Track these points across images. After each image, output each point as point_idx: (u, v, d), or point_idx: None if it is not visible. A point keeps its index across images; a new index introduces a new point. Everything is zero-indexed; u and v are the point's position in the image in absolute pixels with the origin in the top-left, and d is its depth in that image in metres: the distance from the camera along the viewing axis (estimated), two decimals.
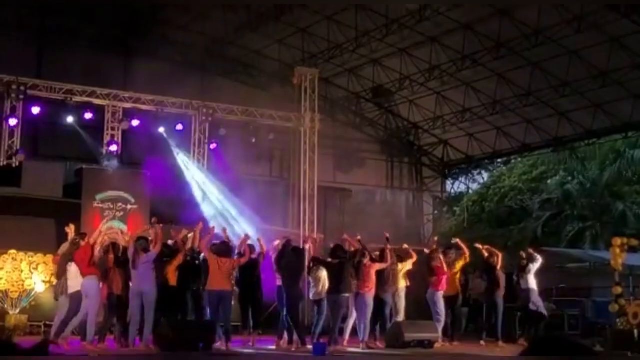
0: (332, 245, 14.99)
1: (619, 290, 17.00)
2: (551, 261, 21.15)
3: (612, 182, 29.13)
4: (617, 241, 17.29)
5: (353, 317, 14.82)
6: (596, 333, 17.90)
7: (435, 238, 17.70)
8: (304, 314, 15.37)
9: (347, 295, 14.15)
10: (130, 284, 13.55)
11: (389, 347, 14.63)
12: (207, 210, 22.16)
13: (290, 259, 14.47)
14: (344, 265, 14.22)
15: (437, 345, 14.99)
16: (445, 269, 15.88)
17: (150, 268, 13.31)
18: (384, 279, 15.08)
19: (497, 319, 16.30)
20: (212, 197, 22.46)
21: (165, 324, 13.49)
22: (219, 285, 13.64)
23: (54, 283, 17.90)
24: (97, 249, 13.78)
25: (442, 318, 15.65)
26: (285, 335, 14.52)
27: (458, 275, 16.51)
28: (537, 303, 16.57)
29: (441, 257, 16.06)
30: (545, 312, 16.74)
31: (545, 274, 17.48)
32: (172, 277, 14.04)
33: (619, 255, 17.10)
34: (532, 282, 16.59)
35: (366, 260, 14.58)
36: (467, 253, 16.47)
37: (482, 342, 16.11)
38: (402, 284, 15.74)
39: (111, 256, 13.63)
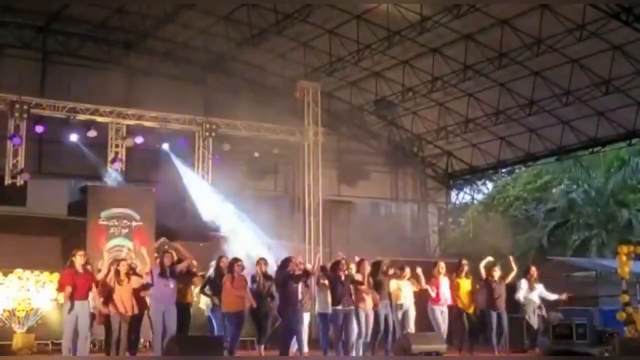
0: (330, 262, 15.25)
1: (626, 298, 16.98)
2: (557, 270, 21.12)
3: (617, 190, 29.12)
4: (624, 249, 17.29)
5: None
6: (604, 341, 17.84)
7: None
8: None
9: (341, 308, 14.36)
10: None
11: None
12: (212, 226, 22.18)
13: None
14: (341, 279, 14.44)
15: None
16: (439, 282, 15.97)
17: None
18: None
19: (490, 330, 16.31)
20: (218, 212, 22.45)
21: (173, 340, 13.51)
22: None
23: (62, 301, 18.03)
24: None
25: (440, 330, 15.74)
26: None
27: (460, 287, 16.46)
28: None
29: (441, 269, 16.15)
30: (534, 325, 16.59)
31: (551, 283, 17.43)
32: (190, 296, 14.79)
33: (626, 263, 17.09)
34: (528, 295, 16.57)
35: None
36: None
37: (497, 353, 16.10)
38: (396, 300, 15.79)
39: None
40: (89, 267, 14.04)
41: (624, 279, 17.23)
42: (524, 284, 16.47)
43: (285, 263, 14.50)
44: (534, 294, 16.46)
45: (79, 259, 13.74)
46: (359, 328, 14.80)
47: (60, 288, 13.97)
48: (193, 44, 23.92)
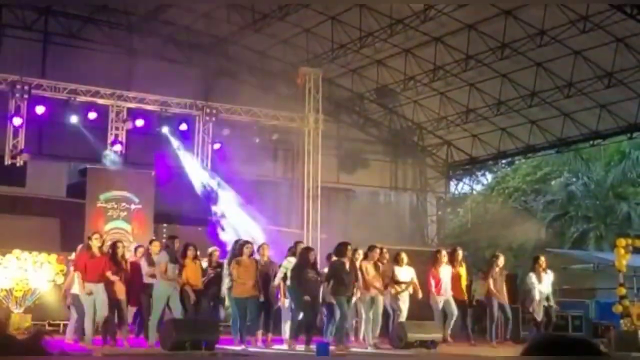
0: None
1: (622, 291, 17.01)
2: (555, 262, 21.14)
3: (616, 183, 29.16)
4: (622, 242, 17.31)
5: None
6: (600, 334, 17.89)
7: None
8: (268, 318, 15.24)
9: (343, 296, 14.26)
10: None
11: (393, 348, 14.67)
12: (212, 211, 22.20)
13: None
14: (345, 267, 14.28)
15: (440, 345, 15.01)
16: (439, 271, 15.86)
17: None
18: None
19: (491, 321, 16.27)
20: (216, 197, 22.46)
21: (169, 323, 13.53)
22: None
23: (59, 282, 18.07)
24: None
25: (439, 319, 15.68)
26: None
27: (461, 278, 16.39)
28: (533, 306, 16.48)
29: (443, 258, 16.04)
30: (538, 316, 16.50)
31: None
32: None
33: (623, 256, 17.12)
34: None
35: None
36: None
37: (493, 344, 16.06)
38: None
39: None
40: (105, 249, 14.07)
41: (621, 272, 17.26)
42: (533, 278, 16.35)
43: (305, 252, 14.33)
44: (542, 284, 16.33)
45: (95, 242, 13.75)
46: (374, 315, 14.71)
47: (75, 270, 13.95)
48: (195, 28, 23.85)
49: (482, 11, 20.80)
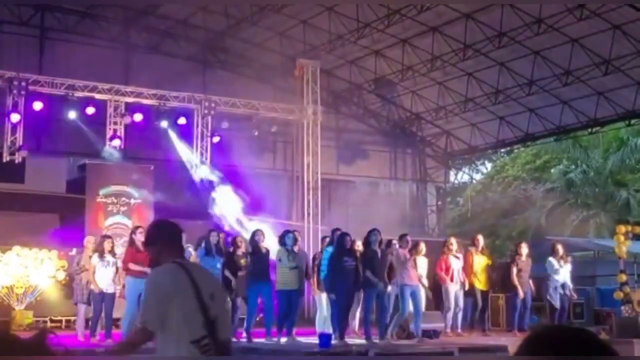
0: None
1: (623, 277, 17.05)
2: None
3: (615, 170, 29.17)
4: (621, 229, 17.33)
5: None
6: (601, 321, 17.91)
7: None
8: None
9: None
10: None
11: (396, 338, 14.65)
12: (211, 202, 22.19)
13: None
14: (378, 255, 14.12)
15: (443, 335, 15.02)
16: (448, 262, 15.77)
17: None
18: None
19: (512, 309, 16.25)
20: (216, 189, 22.46)
21: None
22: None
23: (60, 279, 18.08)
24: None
25: (449, 309, 15.61)
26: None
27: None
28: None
29: (451, 248, 15.94)
30: (555, 303, 16.41)
31: None
32: None
33: (623, 243, 17.15)
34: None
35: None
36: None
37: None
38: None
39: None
40: None
41: (622, 259, 17.29)
42: (555, 263, 16.23)
43: (342, 239, 14.00)
44: (560, 272, 16.23)
45: (139, 236, 13.58)
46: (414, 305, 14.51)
47: (124, 267, 13.89)
48: (192, 21, 23.83)
49: (479, 0, 20.77)
